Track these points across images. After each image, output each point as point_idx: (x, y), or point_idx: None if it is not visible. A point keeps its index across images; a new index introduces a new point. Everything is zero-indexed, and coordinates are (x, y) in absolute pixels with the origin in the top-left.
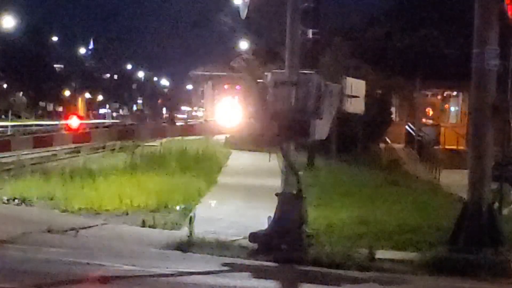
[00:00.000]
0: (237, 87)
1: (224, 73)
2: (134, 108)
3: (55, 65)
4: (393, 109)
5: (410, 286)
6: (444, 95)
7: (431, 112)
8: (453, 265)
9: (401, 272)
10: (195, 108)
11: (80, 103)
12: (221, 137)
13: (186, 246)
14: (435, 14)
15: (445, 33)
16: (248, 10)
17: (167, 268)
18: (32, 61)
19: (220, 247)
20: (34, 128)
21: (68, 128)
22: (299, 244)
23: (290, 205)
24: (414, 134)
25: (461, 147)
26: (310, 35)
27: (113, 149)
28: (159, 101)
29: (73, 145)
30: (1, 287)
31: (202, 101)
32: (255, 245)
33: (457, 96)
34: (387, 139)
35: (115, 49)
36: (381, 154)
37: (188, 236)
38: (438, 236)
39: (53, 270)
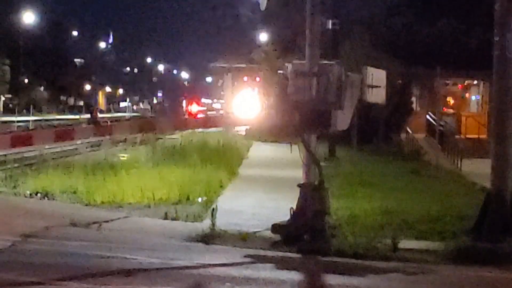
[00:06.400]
0: (257, 78)
1: (244, 65)
2: (155, 101)
3: (75, 60)
4: (413, 99)
5: (434, 276)
6: (465, 84)
7: (451, 101)
8: (477, 254)
9: (424, 261)
10: (215, 100)
11: (101, 97)
12: (242, 129)
13: (208, 238)
14: (455, 3)
15: (465, 22)
16: (267, 1)
17: (190, 260)
18: (53, 56)
19: (242, 238)
20: (55, 122)
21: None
22: (322, 235)
23: (312, 196)
24: (435, 123)
25: (482, 136)
26: (330, 26)
27: (135, 142)
28: (182, 97)
29: (94, 139)
30: (25, 281)
31: (222, 93)
32: (278, 237)
33: (477, 85)
34: (408, 129)
35: (135, 43)
36: (402, 144)
37: (211, 228)
38: (461, 225)
39: (76, 263)
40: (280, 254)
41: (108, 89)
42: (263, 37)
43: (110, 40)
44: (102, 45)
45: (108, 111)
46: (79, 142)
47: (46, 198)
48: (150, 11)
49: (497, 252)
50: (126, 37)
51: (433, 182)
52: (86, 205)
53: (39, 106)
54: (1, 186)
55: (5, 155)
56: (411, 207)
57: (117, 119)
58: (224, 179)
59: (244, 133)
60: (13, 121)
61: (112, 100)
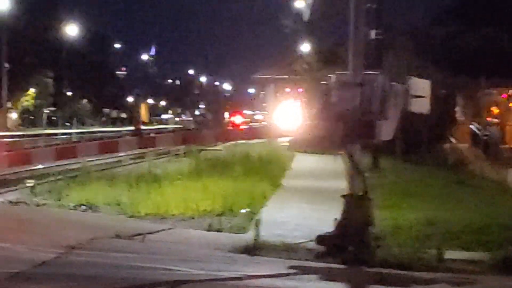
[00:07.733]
0: (299, 89)
1: (286, 76)
2: (196, 112)
3: (118, 72)
4: (457, 109)
5: (480, 286)
6: (510, 93)
7: (496, 111)
8: None
9: (470, 272)
10: (257, 112)
11: (143, 109)
12: (285, 140)
13: (252, 249)
14: (498, 12)
15: (509, 31)
16: (310, 12)
17: (235, 271)
18: (96, 68)
19: (286, 250)
20: (98, 134)
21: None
22: (366, 246)
23: (356, 206)
24: (479, 133)
25: None
26: (373, 36)
27: (177, 154)
28: (226, 109)
29: (137, 151)
30: None
31: (264, 104)
32: (322, 248)
33: None
34: (452, 139)
35: (177, 55)
36: (446, 154)
37: (255, 240)
38: (507, 235)
39: (120, 275)
40: (325, 265)
41: (150, 101)
42: (305, 47)
43: (153, 52)
44: (145, 57)
45: (151, 122)
46: (122, 154)
47: (90, 210)
48: (192, 23)
49: None
50: (168, 49)
51: (478, 192)
52: (130, 217)
53: (82, 118)
54: (46, 198)
55: (49, 167)
56: (456, 217)
57: (160, 131)
58: (267, 190)
59: (287, 144)
60: (56, 134)
61: (154, 112)
